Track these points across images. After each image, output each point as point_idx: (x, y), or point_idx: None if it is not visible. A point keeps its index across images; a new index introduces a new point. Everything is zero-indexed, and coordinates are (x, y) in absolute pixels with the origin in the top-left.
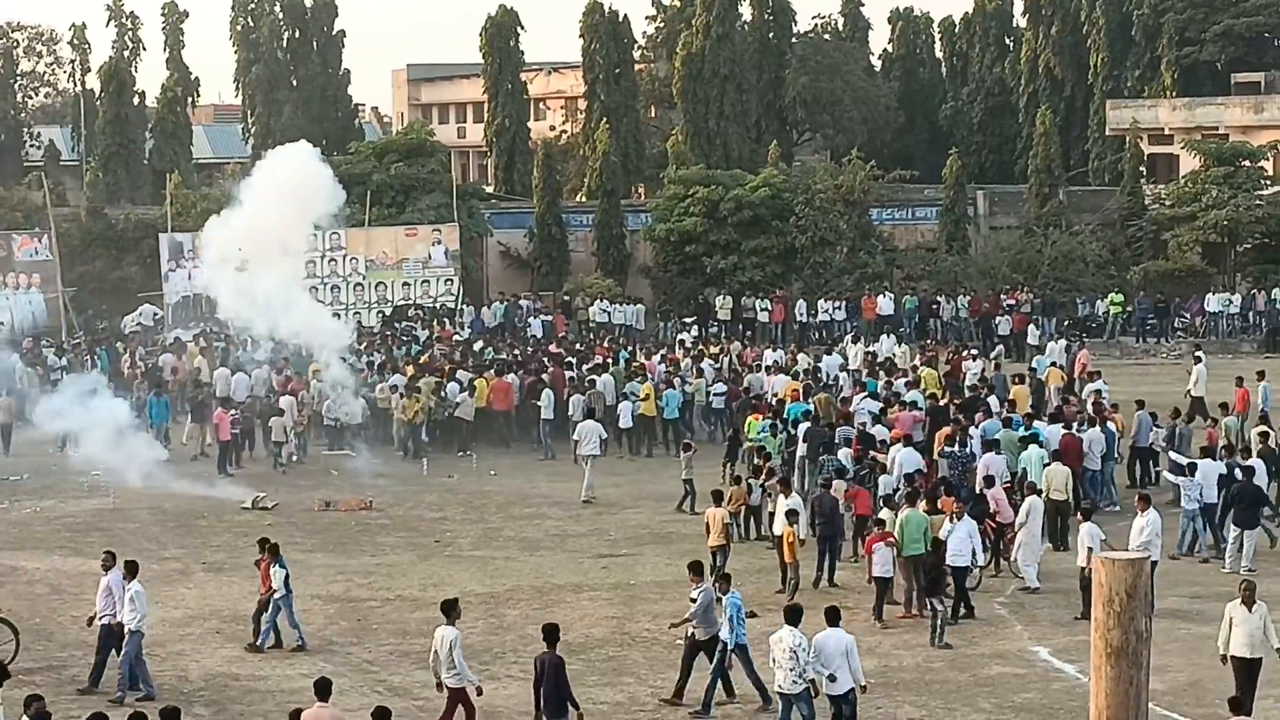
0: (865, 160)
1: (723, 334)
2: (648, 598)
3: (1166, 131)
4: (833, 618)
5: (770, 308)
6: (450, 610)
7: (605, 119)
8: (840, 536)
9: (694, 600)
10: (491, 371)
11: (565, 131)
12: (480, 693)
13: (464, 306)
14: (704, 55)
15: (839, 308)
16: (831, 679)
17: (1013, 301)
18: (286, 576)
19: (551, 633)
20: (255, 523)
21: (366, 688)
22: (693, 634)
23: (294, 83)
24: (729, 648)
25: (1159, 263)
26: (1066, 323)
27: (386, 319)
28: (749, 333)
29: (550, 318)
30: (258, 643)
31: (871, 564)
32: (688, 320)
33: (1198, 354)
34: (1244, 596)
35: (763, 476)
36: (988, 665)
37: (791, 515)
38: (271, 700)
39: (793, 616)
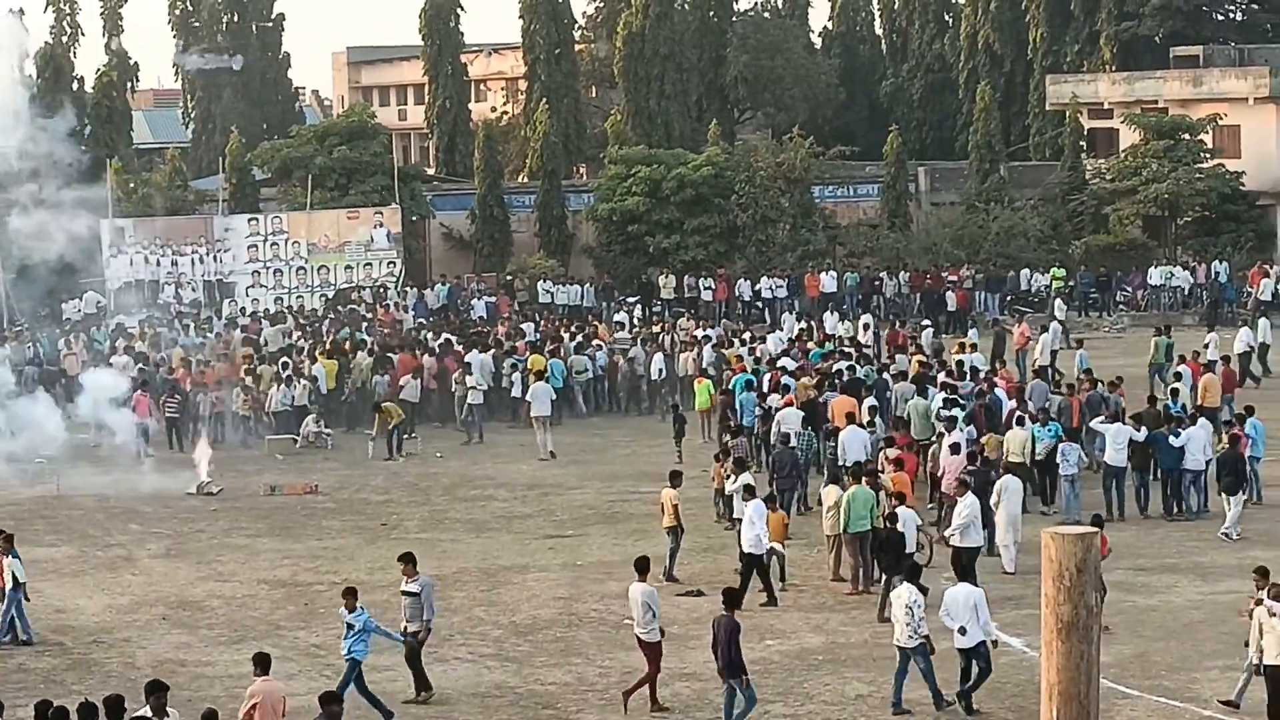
0: (806, 138)
1: (666, 313)
2: (595, 578)
3: (1106, 106)
4: (964, 573)
5: (713, 286)
6: (644, 568)
7: (546, 99)
8: (795, 490)
9: (410, 594)
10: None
11: (506, 112)
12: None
13: (407, 289)
14: (644, 34)
15: (781, 286)
16: (962, 631)
17: (955, 278)
18: (16, 572)
19: (730, 596)
20: (200, 509)
21: (315, 672)
22: (414, 630)
23: (234, 67)
24: (358, 661)
25: (1100, 237)
26: (1010, 297)
27: (329, 302)
28: (692, 311)
29: (494, 299)
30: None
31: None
32: (631, 300)
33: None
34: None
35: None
36: (935, 640)
37: (749, 491)
38: (220, 685)
39: (912, 574)
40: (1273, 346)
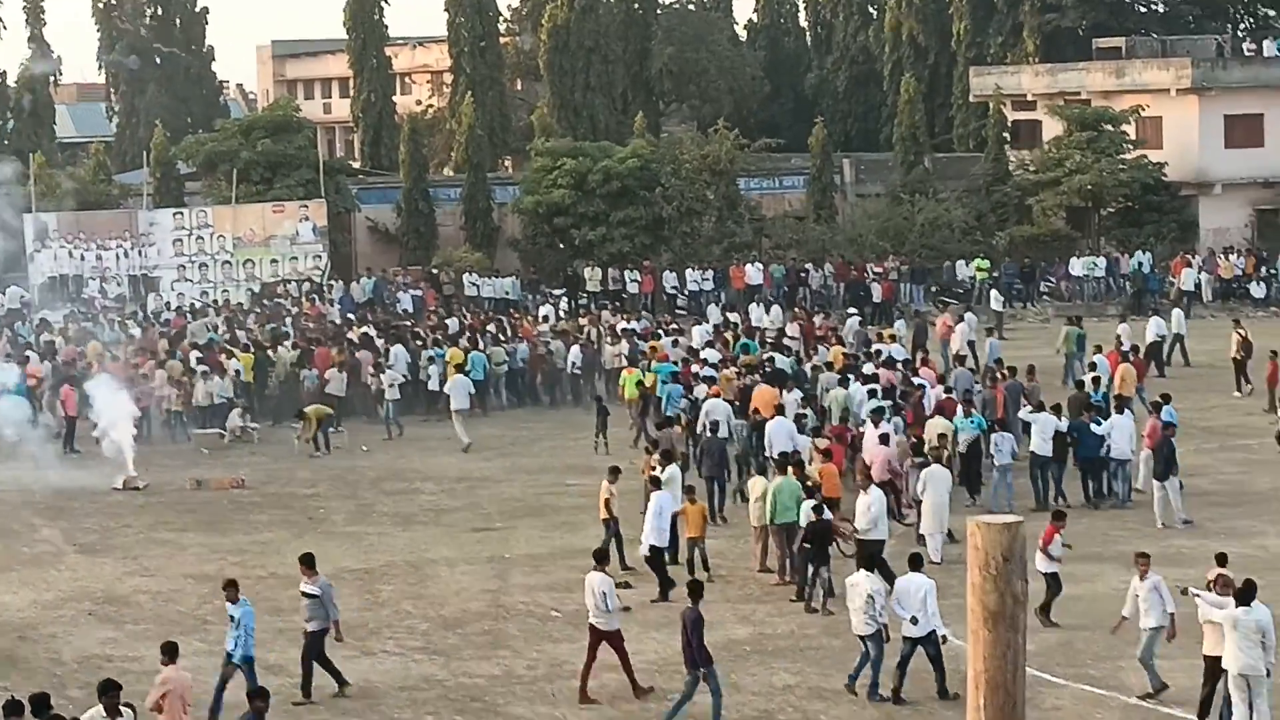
0: (731, 130)
1: (592, 305)
2: (523, 571)
3: (1029, 97)
4: (915, 563)
5: (639, 278)
6: (603, 558)
7: (471, 92)
8: (726, 479)
9: (310, 595)
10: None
11: (431, 106)
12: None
13: (332, 282)
14: (569, 27)
15: (707, 278)
16: (913, 621)
17: (880, 269)
18: None
19: (694, 588)
20: (126, 504)
21: None
22: (316, 629)
23: (157, 60)
24: (234, 660)
25: (1024, 228)
26: (934, 289)
27: (255, 296)
28: (618, 303)
29: (420, 292)
30: None
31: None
32: (556, 292)
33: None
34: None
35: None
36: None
37: (654, 482)
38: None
39: (870, 563)
40: (1187, 336)
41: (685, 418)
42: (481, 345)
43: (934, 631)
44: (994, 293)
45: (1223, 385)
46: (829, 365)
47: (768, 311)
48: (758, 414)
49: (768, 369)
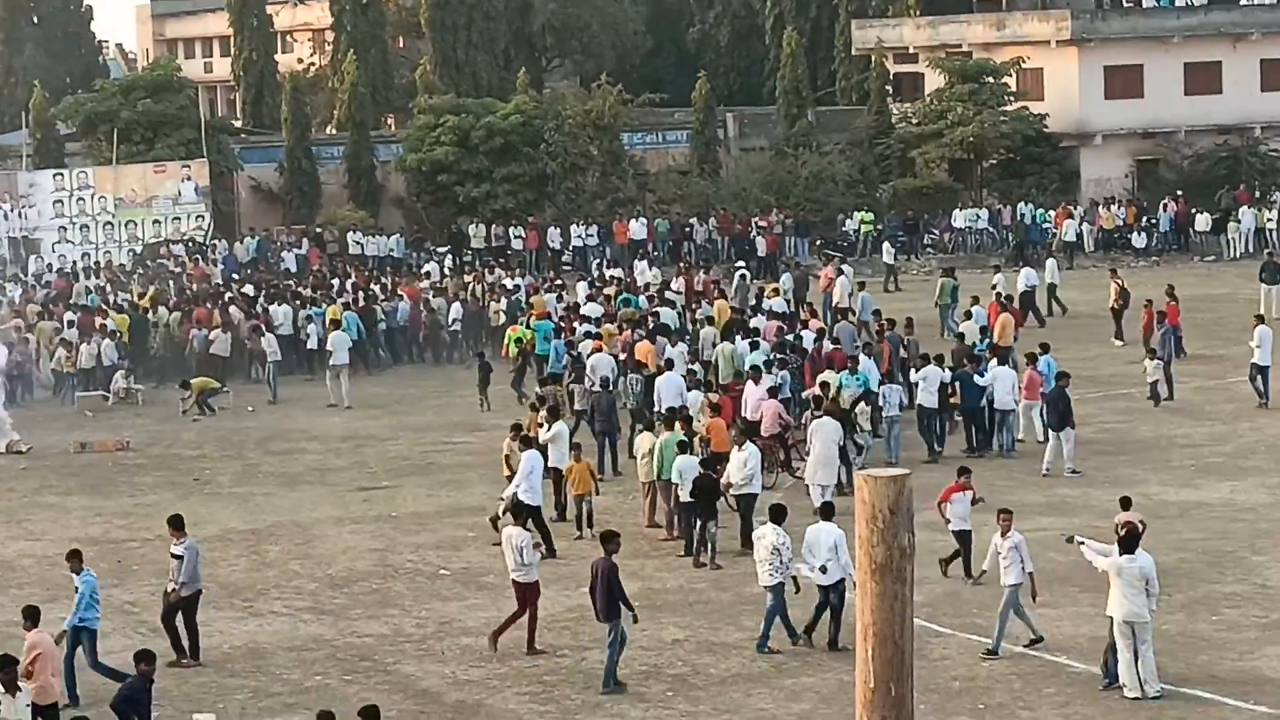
0: (615, 85)
1: (477, 262)
2: (409, 529)
3: (911, 50)
4: (826, 513)
5: (524, 235)
6: (519, 513)
7: (353, 50)
8: (617, 432)
9: (177, 556)
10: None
11: (313, 64)
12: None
13: (216, 242)
14: None
15: (592, 234)
16: (822, 570)
17: (765, 223)
18: None
19: (608, 538)
20: (8, 467)
21: (129, 629)
22: (175, 590)
23: (35, 20)
24: (71, 629)
25: (907, 180)
26: (819, 242)
27: (138, 257)
28: (503, 260)
29: (304, 251)
30: None
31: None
32: (441, 250)
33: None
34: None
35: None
36: (750, 584)
37: (525, 442)
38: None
39: (777, 515)
40: (1061, 286)
41: (569, 374)
42: (361, 303)
43: (842, 581)
44: (886, 245)
45: (1104, 335)
46: (711, 320)
47: (651, 266)
48: (644, 368)
49: (651, 324)
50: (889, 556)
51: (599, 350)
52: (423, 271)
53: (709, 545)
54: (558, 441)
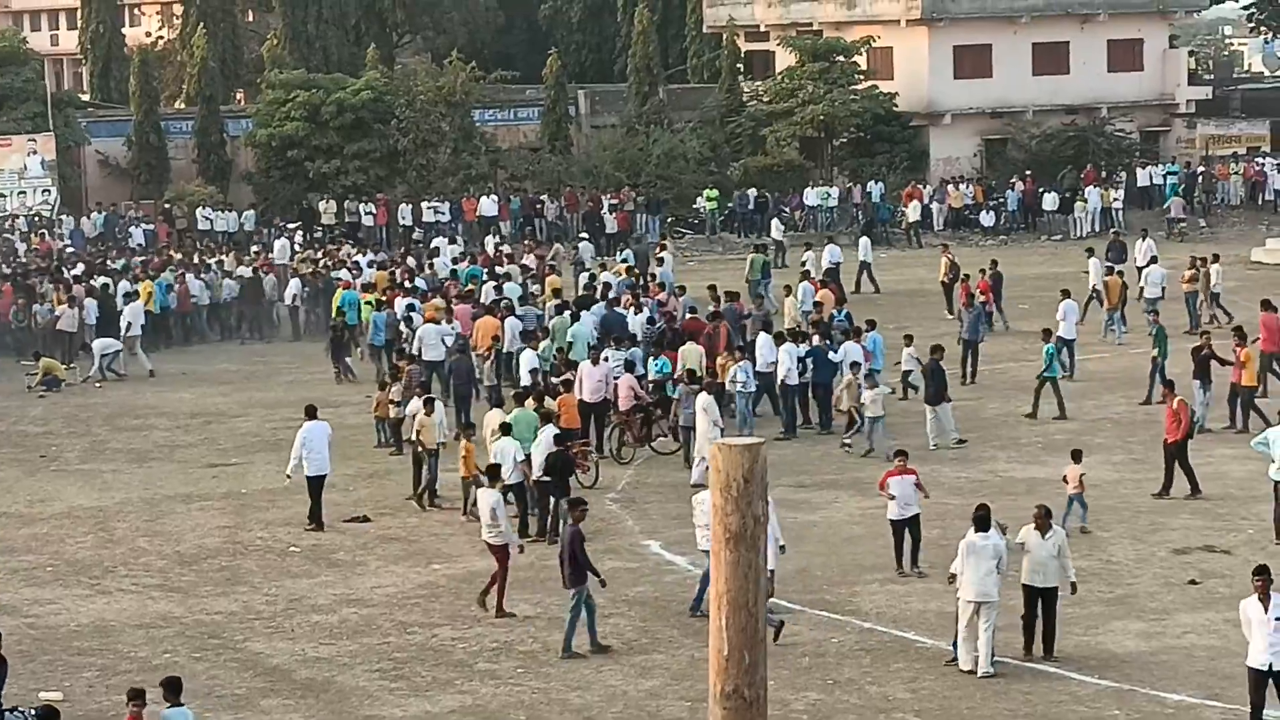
0: (466, 62)
1: (326, 238)
2: (259, 505)
3: (762, 29)
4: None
5: (374, 211)
6: (494, 475)
7: (202, 24)
8: (472, 396)
9: None
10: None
11: (161, 37)
12: (522, 550)
13: (62, 217)
14: None
15: (443, 210)
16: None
17: (616, 200)
18: None
19: (574, 505)
20: None
21: None
22: None
23: None
24: None
25: (758, 159)
26: (669, 219)
27: None
28: (354, 236)
29: (152, 226)
30: None
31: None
32: (290, 225)
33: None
34: (1037, 521)
35: (390, 387)
36: (600, 560)
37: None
38: None
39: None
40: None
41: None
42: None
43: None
44: (775, 222)
45: (939, 312)
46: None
47: (503, 243)
48: (496, 341)
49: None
50: (743, 525)
51: (430, 321)
52: (275, 248)
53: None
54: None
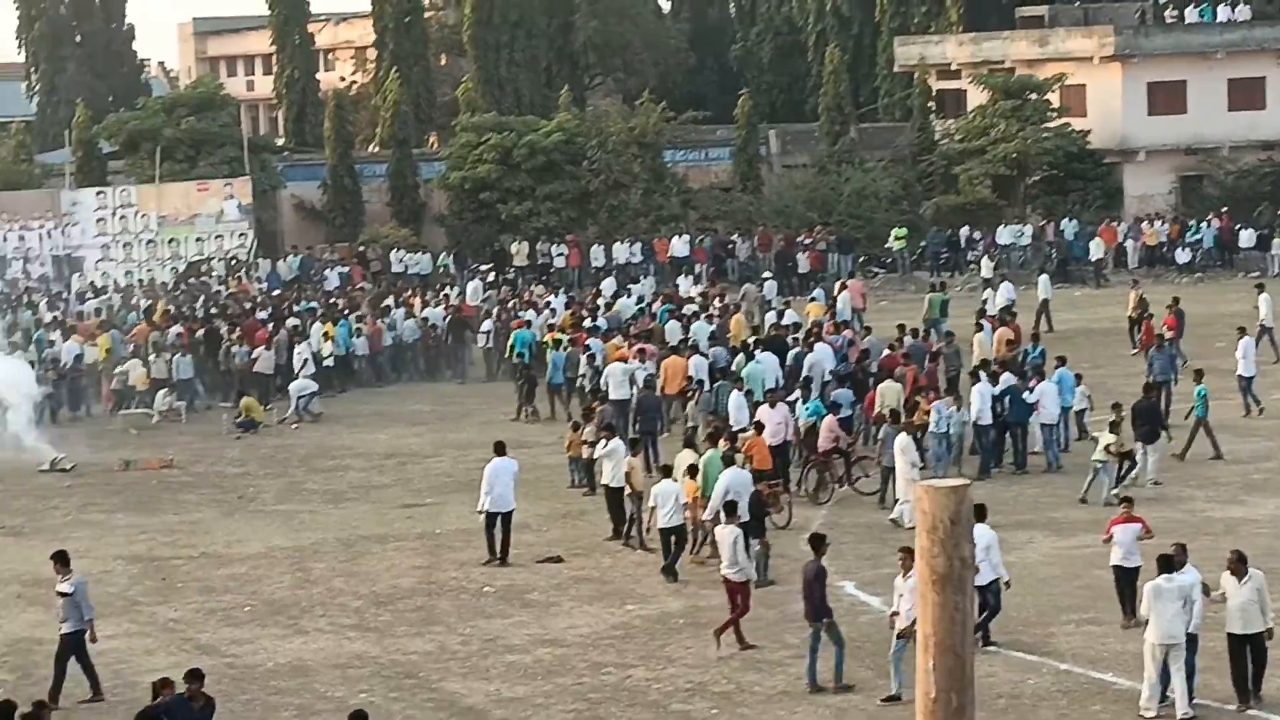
0: (657, 102)
1: (519, 280)
2: (453, 546)
3: (954, 67)
4: (980, 514)
5: (566, 252)
6: (732, 511)
7: (396, 68)
8: (659, 432)
9: (64, 594)
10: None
11: (355, 82)
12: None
13: (258, 261)
14: (493, 1)
15: (634, 251)
16: (975, 571)
17: (809, 240)
18: None
19: (817, 541)
20: (54, 485)
21: (174, 647)
22: (71, 629)
23: (77, 39)
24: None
25: (950, 197)
26: (861, 259)
27: (180, 275)
28: (545, 277)
29: (347, 269)
30: None
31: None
32: (483, 267)
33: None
34: (1231, 567)
35: (591, 424)
36: (793, 602)
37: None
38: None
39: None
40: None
41: (590, 384)
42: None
43: (996, 580)
44: (985, 260)
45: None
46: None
47: (697, 282)
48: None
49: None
50: (950, 567)
51: (621, 360)
52: (468, 290)
53: (757, 562)
54: (613, 457)
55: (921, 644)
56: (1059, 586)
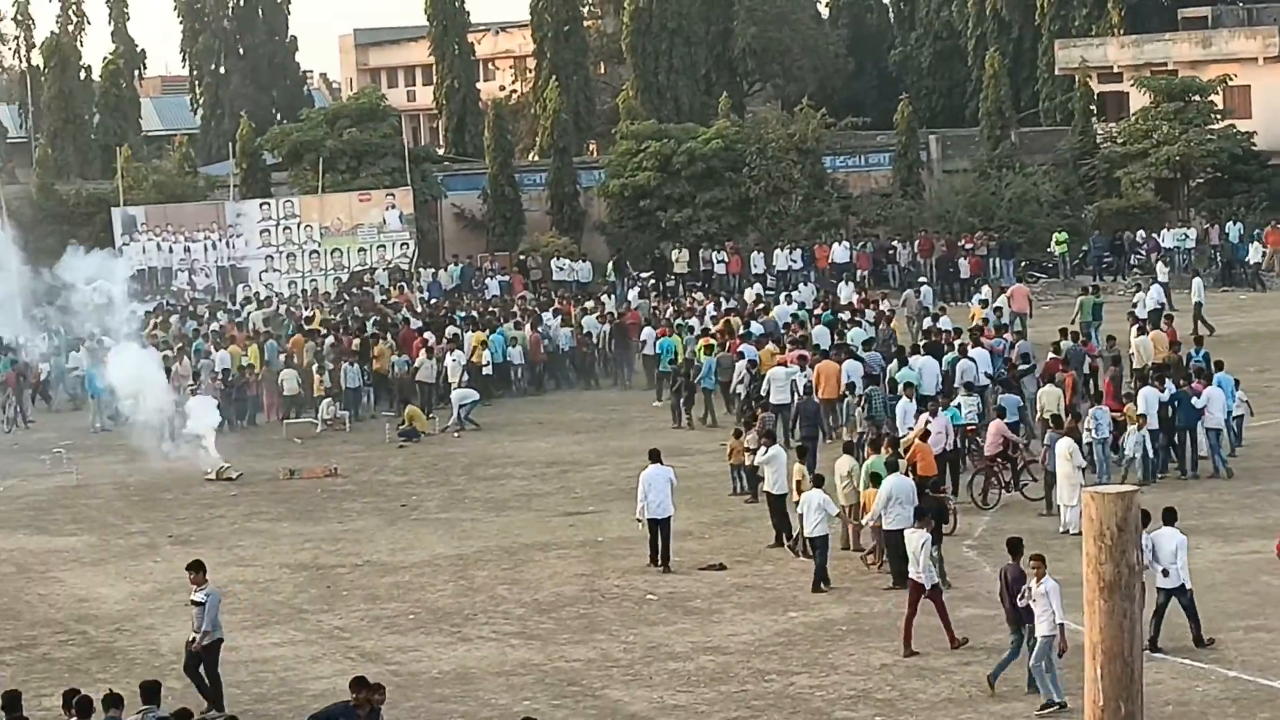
0: (816, 108)
1: (680, 287)
2: (616, 554)
3: (1115, 69)
4: (1169, 517)
5: (726, 259)
6: (921, 516)
7: (555, 77)
8: (818, 439)
9: (197, 603)
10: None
11: (515, 91)
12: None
13: (420, 270)
14: (651, 9)
15: (795, 258)
16: (1164, 574)
17: (970, 245)
18: None
19: (1014, 546)
20: (220, 494)
21: (339, 654)
22: (196, 640)
23: (241, 51)
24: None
25: (1112, 200)
26: (1023, 264)
27: (343, 285)
28: (706, 284)
29: (507, 278)
30: None
31: None
32: (644, 275)
33: None
34: None
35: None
36: (957, 608)
37: (774, 463)
38: (245, 670)
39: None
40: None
41: (746, 390)
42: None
43: (1185, 584)
44: (1160, 265)
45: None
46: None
47: (858, 290)
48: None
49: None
50: (1118, 574)
51: (782, 364)
52: (628, 296)
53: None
54: (774, 463)
55: (1089, 651)
56: (1226, 593)
